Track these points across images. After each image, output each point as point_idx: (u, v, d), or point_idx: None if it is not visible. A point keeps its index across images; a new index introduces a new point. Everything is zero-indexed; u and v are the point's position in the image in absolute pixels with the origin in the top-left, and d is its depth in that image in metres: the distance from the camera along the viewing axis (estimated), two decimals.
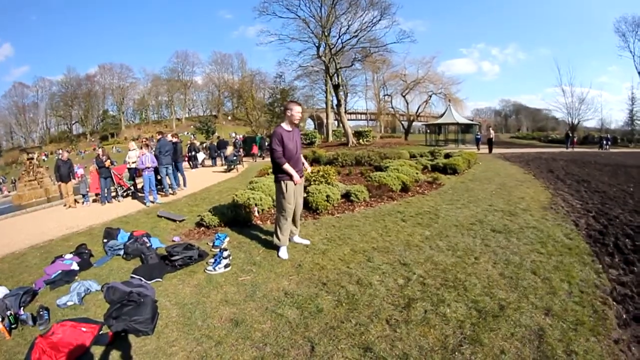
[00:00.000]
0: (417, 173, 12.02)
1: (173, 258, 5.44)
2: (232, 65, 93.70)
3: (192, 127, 78.84)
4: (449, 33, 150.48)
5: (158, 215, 9.02)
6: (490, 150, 28.05)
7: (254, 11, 38.80)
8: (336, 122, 53.78)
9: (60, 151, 18.07)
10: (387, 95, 53.07)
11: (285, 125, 5.48)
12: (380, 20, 35.51)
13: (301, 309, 4.00)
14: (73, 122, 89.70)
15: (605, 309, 3.98)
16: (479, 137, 33.91)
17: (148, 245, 6.23)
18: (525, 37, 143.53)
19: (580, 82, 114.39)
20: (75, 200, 12.83)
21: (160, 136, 13.15)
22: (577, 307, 3.98)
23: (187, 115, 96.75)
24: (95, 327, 3.78)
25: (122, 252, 6.25)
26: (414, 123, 49.90)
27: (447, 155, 17.64)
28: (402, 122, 50.93)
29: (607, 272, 5.06)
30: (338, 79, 37.84)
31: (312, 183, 9.52)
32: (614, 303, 4.16)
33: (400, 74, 48.10)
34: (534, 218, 7.65)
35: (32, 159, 20.63)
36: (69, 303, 4.48)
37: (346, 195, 9.09)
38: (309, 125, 72.55)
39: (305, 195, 8.27)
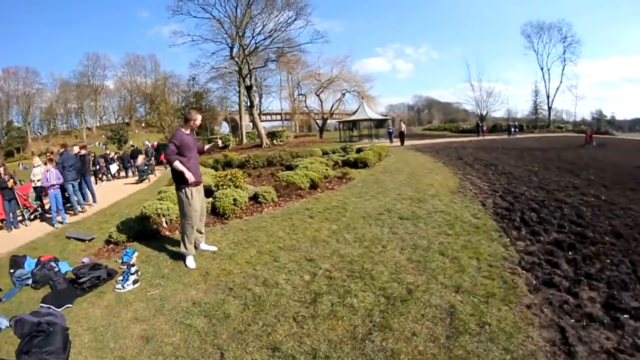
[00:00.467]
0: (327, 169, 12.26)
1: (80, 280, 5.18)
2: (145, 68, 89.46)
3: (103, 136, 73.85)
4: (365, 33, 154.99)
5: (67, 237, 8.34)
6: (402, 143, 29.26)
7: (167, 10, 37.21)
8: (251, 124, 53.40)
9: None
10: (301, 94, 53.21)
11: (185, 130, 5.61)
12: (295, 20, 35.81)
13: (209, 317, 3.97)
14: None
15: (514, 279, 4.33)
16: (391, 131, 35.96)
17: (56, 270, 5.78)
18: (439, 37, 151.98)
19: (489, 77, 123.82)
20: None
21: (63, 149, 12.25)
22: (487, 281, 4.28)
23: (98, 124, 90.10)
24: None
25: (30, 281, 5.78)
26: (328, 121, 50.64)
27: (359, 150, 18.26)
28: (317, 121, 51.35)
29: (514, 244, 5.47)
30: (251, 80, 37.68)
31: (220, 187, 9.49)
32: (523, 272, 4.53)
33: (314, 74, 48.65)
34: (442, 202, 8.08)
35: None
36: None
37: (254, 197, 9.10)
38: (224, 128, 71.31)
39: (212, 200, 8.33)
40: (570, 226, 6.41)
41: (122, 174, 24.08)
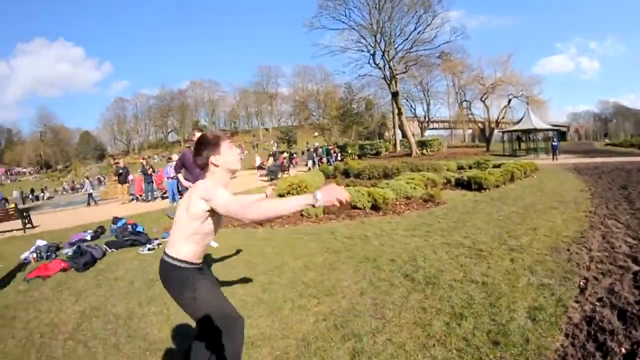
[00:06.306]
0: (414, 188, 11.14)
1: (125, 238, 8.20)
2: (315, 77, 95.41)
3: (275, 137, 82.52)
4: (542, 26, 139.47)
5: (165, 214, 11.51)
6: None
7: (304, 27, 38.90)
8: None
9: (120, 160, 24.59)
10: (465, 101, 48.90)
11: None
12: (433, 19, 35.85)
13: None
14: (169, 131, 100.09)
15: None
16: (555, 145, 30.11)
17: (129, 230, 8.87)
18: (623, 25, 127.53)
19: None
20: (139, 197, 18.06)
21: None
22: None
23: (275, 125, 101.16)
24: (66, 264, 6.73)
25: (112, 233, 9.19)
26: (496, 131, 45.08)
27: (497, 167, 16.23)
28: (485, 130, 46.42)
29: None
30: (396, 86, 36.70)
31: (285, 195, 10.22)
32: None
33: (478, 77, 43.85)
34: (515, 266, 5.10)
35: (118, 163, 23.17)
36: (69, 253, 7.37)
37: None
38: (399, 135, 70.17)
39: None
40: None
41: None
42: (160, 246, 7.64)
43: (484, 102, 43.52)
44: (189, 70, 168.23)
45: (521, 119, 38.34)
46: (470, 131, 68.24)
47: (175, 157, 16.12)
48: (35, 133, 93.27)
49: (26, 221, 12.94)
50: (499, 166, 16.06)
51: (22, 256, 7.93)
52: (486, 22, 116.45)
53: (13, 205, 19.32)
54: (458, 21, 55.06)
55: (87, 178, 30.97)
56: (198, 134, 6.22)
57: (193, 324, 3.93)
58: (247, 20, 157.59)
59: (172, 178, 13.57)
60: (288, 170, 24.54)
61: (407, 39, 37.04)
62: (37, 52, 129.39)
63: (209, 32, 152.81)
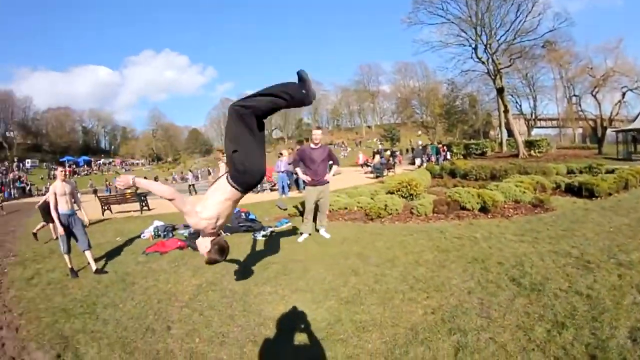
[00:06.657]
0: (523, 192, 10.41)
1: (241, 224, 8.91)
2: (417, 74, 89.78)
3: (378, 135, 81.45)
4: None
5: (275, 204, 12.18)
6: None
7: (402, 24, 37.72)
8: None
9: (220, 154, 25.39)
10: (574, 95, 43.81)
11: (311, 144, 7.22)
12: (532, 7, 32.03)
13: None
14: (273, 129, 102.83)
15: None
16: None
17: (242, 217, 9.47)
18: None
19: None
20: None
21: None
22: None
23: (377, 123, 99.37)
24: (183, 243, 7.69)
25: None
26: (609, 130, 39.26)
27: (610, 172, 14.59)
28: (597, 129, 40.59)
29: None
30: (501, 81, 34.50)
31: (394, 193, 10.55)
32: None
33: (586, 68, 38.58)
34: (620, 282, 4.51)
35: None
36: (186, 234, 8.61)
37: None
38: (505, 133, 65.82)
39: (372, 202, 9.66)
40: None
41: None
42: (274, 234, 8.34)
43: (594, 96, 37.29)
44: (290, 71, 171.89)
45: (637, 116, 32.50)
46: (580, 130, 61.50)
47: (285, 152, 17.43)
48: (148, 130, 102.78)
49: (143, 204, 15.24)
50: (612, 171, 14.64)
51: (141, 233, 9.25)
52: (589, 2, 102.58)
53: (129, 190, 22.04)
54: (558, 4, 47.58)
55: (190, 171, 34.63)
56: (317, 132, 7.25)
57: (306, 306, 4.39)
58: (346, 19, 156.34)
59: (282, 172, 14.90)
60: (394, 168, 24.68)
61: (508, 29, 33.57)
62: (146, 62, 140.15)
63: (307, 33, 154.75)
